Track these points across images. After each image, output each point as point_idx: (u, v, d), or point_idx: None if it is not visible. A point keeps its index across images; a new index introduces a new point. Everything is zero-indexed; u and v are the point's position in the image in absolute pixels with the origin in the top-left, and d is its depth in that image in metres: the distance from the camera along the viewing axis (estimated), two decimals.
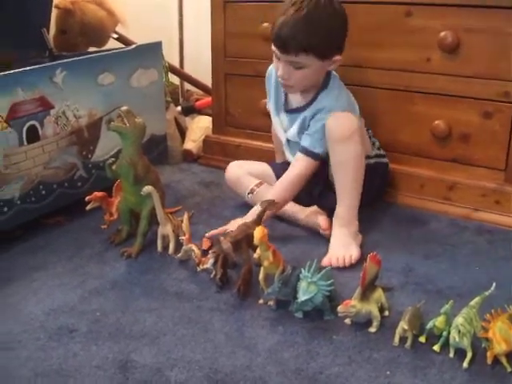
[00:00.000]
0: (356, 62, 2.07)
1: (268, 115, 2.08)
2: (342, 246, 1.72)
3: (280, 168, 2.02)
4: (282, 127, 2.00)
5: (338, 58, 1.82)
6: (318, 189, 1.92)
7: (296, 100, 1.93)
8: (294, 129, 1.92)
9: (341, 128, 1.77)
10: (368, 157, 1.87)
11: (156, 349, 1.34)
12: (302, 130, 1.88)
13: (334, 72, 1.91)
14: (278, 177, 1.94)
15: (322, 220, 1.84)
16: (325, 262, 1.67)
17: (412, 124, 2.03)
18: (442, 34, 1.89)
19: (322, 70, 1.83)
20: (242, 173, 2.05)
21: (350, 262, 1.67)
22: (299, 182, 1.84)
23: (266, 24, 2.16)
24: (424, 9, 1.93)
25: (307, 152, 1.83)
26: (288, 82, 1.83)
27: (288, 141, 1.98)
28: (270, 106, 2.04)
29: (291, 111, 1.95)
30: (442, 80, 1.94)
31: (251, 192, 1.99)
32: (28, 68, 1.83)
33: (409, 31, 1.96)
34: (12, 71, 1.78)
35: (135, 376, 1.26)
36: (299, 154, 1.85)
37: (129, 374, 1.26)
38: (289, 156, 2.00)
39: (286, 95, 1.97)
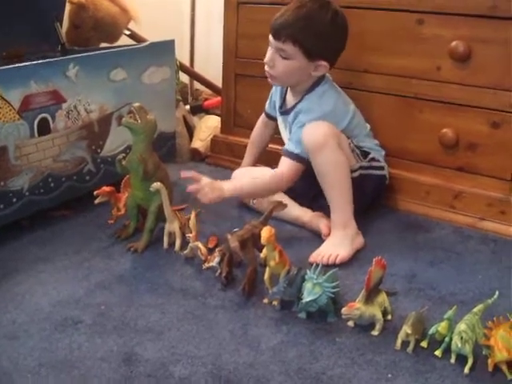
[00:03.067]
0: (366, 67, 2.09)
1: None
2: (332, 246, 1.74)
3: None
4: (284, 134, 2.05)
5: (323, 63, 1.85)
6: (312, 191, 1.92)
7: (289, 101, 1.98)
8: (285, 132, 2.00)
9: (314, 137, 1.79)
10: (351, 170, 1.87)
11: (160, 344, 1.35)
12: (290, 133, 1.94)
13: (328, 81, 1.94)
14: None
15: (323, 226, 1.85)
16: (310, 259, 1.69)
17: (420, 131, 2.04)
18: (453, 43, 1.90)
19: (306, 70, 1.86)
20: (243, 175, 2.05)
21: (334, 261, 1.69)
22: (275, 183, 1.86)
23: None
24: (436, 17, 1.93)
25: (287, 153, 1.86)
26: (271, 70, 1.89)
27: None
28: (272, 107, 2.10)
29: (283, 113, 2.00)
30: (451, 89, 1.95)
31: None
32: (42, 61, 1.85)
33: (420, 39, 1.97)
34: (26, 64, 1.80)
35: (139, 369, 1.27)
36: (282, 157, 1.88)
37: (133, 367, 1.28)
38: None
39: (284, 97, 2.01)
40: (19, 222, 1.87)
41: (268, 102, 2.14)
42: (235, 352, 1.33)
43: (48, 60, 1.89)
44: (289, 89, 2.00)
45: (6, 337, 1.38)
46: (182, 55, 2.93)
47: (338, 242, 1.75)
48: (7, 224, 1.81)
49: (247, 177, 1.93)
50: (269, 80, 1.95)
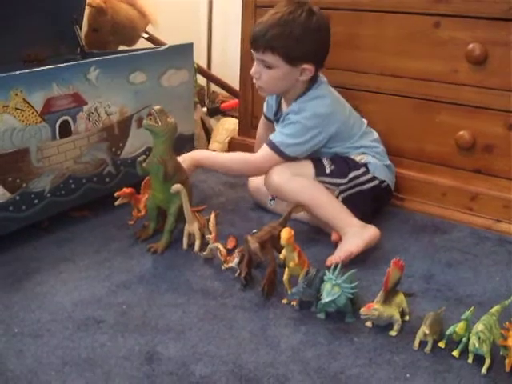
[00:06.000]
0: (382, 70, 2.10)
1: None
2: (343, 247, 1.73)
3: None
4: None
5: (307, 67, 1.86)
6: None
7: (284, 109, 2.01)
8: None
9: (269, 185, 1.88)
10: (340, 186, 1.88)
11: (181, 343, 1.37)
12: None
13: (321, 84, 1.94)
14: None
15: (333, 232, 1.85)
16: (326, 263, 1.67)
17: (436, 134, 2.05)
18: (470, 46, 1.91)
19: (291, 76, 1.88)
20: (258, 184, 2.06)
21: (348, 258, 1.67)
22: (245, 163, 1.94)
23: None
24: (453, 20, 1.94)
25: (268, 141, 1.90)
26: (258, 81, 1.92)
27: None
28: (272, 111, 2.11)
29: (278, 120, 2.03)
30: (468, 91, 1.96)
31: (272, 199, 2.01)
32: (64, 64, 1.88)
33: (437, 42, 1.98)
34: (48, 67, 1.83)
35: (161, 368, 1.29)
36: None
37: (155, 365, 1.30)
38: None
39: (279, 104, 2.04)
40: (40, 222, 1.90)
41: (265, 105, 2.15)
42: (255, 351, 1.35)
43: (69, 63, 1.92)
44: (283, 97, 2.01)
45: (30, 335, 1.41)
46: (199, 58, 2.95)
47: (347, 242, 1.74)
48: (28, 225, 1.84)
49: (222, 158, 2.00)
50: (259, 92, 1.98)
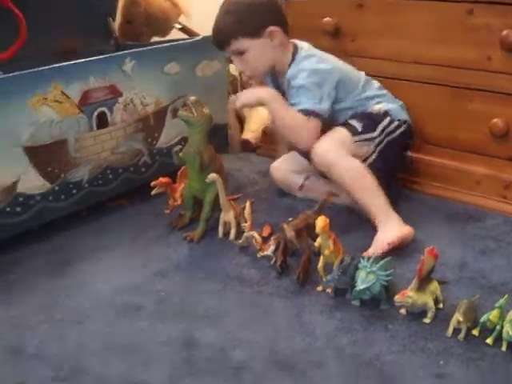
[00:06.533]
0: (415, 58, 2.10)
1: None
2: (379, 237, 1.73)
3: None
4: None
5: (272, 29, 1.89)
6: None
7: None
8: None
9: (322, 158, 1.84)
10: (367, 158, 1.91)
11: (219, 329, 1.41)
12: None
13: (304, 47, 1.97)
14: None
15: None
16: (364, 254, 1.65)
17: (469, 121, 2.04)
18: (504, 32, 1.89)
19: (266, 47, 1.91)
20: (284, 173, 2.10)
21: (385, 248, 1.67)
22: (301, 128, 1.86)
23: (326, 19, 2.22)
24: (486, 7, 1.93)
25: (302, 112, 1.87)
26: (248, 72, 1.98)
27: None
28: None
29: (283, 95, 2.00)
30: (501, 79, 1.94)
31: (301, 187, 2.04)
32: (100, 57, 1.91)
33: (470, 29, 1.97)
34: (85, 60, 1.86)
35: (199, 353, 1.33)
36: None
37: (193, 351, 1.34)
38: None
39: (277, 83, 2.04)
40: (78, 212, 1.94)
41: None
42: (291, 338, 1.37)
43: (105, 56, 1.95)
44: (278, 78, 2.02)
45: (71, 321, 1.46)
46: None
47: (384, 234, 1.73)
48: (68, 214, 1.89)
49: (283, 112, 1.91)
50: (253, 83, 2.03)
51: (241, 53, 1.91)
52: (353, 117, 1.95)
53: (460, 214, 1.97)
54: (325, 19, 2.22)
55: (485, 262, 1.69)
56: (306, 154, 1.96)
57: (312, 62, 1.92)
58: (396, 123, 1.97)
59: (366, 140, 1.91)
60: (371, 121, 1.94)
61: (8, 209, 1.73)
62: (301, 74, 1.89)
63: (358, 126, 1.91)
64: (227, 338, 1.37)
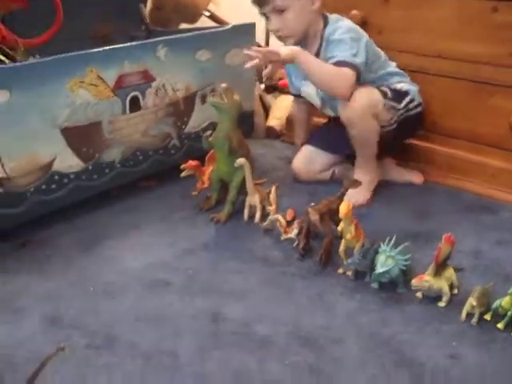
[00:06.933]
0: (439, 53, 2.15)
1: None
2: (356, 192, 1.93)
3: (319, 135, 2.23)
4: (313, 92, 2.14)
5: None
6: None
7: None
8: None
9: (352, 111, 1.92)
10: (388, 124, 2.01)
11: (244, 305, 1.49)
12: None
13: (333, 14, 2.04)
14: (322, 140, 2.18)
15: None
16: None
17: (490, 116, 2.09)
18: None
19: (306, 8, 1.98)
20: (309, 174, 2.18)
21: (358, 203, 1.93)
22: (340, 77, 1.90)
23: (354, 12, 2.27)
24: (510, 5, 1.97)
25: (338, 63, 1.91)
26: (285, 31, 2.01)
27: (323, 100, 2.13)
28: (296, 83, 2.20)
29: None
30: None
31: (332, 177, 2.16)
32: (134, 43, 1.98)
33: (494, 26, 2.02)
34: (120, 45, 1.93)
35: (226, 327, 1.41)
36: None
37: (220, 325, 1.42)
38: (329, 111, 2.17)
39: None
40: (109, 191, 2.02)
41: (289, 82, 2.29)
42: (312, 315, 1.45)
43: (140, 42, 2.02)
44: (305, 44, 2.04)
45: (104, 294, 1.54)
46: (257, 35, 3.01)
47: (360, 188, 1.90)
48: (99, 193, 1.97)
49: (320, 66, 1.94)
50: (286, 44, 2.02)
51: (280, 11, 1.96)
52: (381, 86, 2.03)
53: (476, 206, 2.03)
54: (352, 12, 2.27)
55: (500, 251, 1.75)
56: (327, 143, 2.10)
57: (346, 22, 2.01)
58: (416, 103, 2.08)
59: (392, 108, 2.01)
60: (397, 94, 2.04)
61: (44, 186, 1.81)
62: (338, 31, 1.95)
63: (388, 92, 2.01)
64: (252, 314, 1.45)
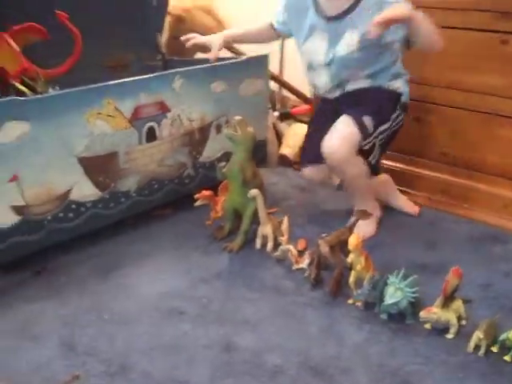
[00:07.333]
0: (448, 84, 2.20)
1: None
2: (363, 225, 1.94)
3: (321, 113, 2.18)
4: (320, 48, 2.02)
5: None
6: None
7: (332, 8, 1.96)
8: (349, 37, 1.94)
9: (333, 156, 1.92)
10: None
11: (256, 335, 1.52)
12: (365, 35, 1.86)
13: None
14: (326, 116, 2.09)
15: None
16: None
17: (499, 146, 2.13)
18: None
19: None
20: (322, 177, 2.17)
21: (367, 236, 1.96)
22: (434, 32, 1.85)
23: None
24: None
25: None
26: None
27: (331, 61, 2.01)
28: (298, 36, 2.10)
29: (333, 19, 1.96)
30: None
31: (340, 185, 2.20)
32: (151, 75, 2.03)
33: (503, 58, 2.06)
34: (137, 78, 1.98)
35: (238, 357, 1.44)
36: None
37: (232, 354, 1.45)
38: (323, 81, 2.07)
39: (316, 8, 2.00)
40: (125, 219, 2.06)
41: (279, 15, 2.16)
42: (322, 345, 1.48)
43: (156, 74, 2.07)
44: None
45: (119, 322, 1.58)
46: (271, 63, 3.05)
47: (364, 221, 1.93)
48: (115, 222, 2.01)
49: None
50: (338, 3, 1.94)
51: None
52: (366, 111, 1.97)
53: (486, 236, 2.05)
54: None
55: (508, 283, 1.77)
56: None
57: None
58: (401, 117, 2.05)
59: (374, 138, 1.99)
60: (383, 115, 2.00)
61: (61, 214, 1.85)
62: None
63: (370, 126, 1.97)
64: (264, 343, 1.49)
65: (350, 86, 2.03)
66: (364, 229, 1.95)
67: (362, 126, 1.95)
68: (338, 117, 1.97)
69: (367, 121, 1.97)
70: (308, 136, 2.21)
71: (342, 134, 1.93)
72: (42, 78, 2.00)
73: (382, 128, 2.00)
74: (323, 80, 2.06)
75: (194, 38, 2.25)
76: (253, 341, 1.50)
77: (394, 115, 2.03)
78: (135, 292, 1.72)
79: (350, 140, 1.93)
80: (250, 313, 1.61)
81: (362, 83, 2.02)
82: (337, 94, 2.08)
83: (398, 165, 2.39)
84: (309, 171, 2.14)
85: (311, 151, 2.08)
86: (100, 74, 1.99)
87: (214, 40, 2.20)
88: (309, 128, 2.25)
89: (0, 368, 1.41)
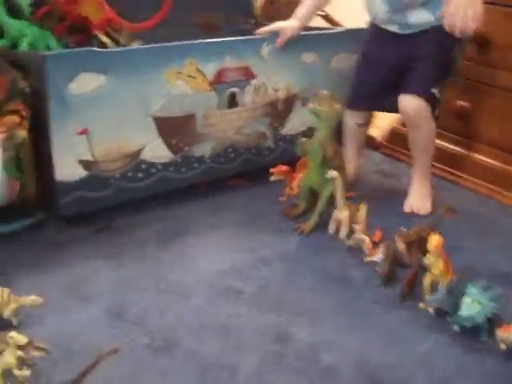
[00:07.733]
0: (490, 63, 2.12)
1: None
2: (419, 200, 1.98)
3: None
4: None
5: None
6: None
7: None
8: None
9: (411, 114, 1.91)
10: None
11: (313, 328, 1.41)
12: None
13: None
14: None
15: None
16: (406, 209, 1.98)
17: None
18: None
19: None
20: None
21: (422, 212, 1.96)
22: None
23: None
24: None
25: None
26: None
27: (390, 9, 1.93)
28: None
29: None
30: None
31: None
32: (238, 38, 1.94)
33: None
34: (223, 39, 1.90)
35: (291, 349, 1.33)
36: None
37: (285, 345, 1.34)
38: (380, 5, 1.95)
39: None
40: (197, 186, 1.99)
41: None
42: (382, 349, 1.35)
43: (244, 37, 1.98)
44: None
45: (174, 294, 1.51)
46: None
47: (422, 195, 2.00)
48: (186, 186, 1.94)
49: None
50: None
51: None
52: (434, 79, 1.94)
53: None
54: None
55: None
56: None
57: None
58: (458, 53, 1.98)
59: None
60: (449, 71, 1.98)
61: (130, 174, 1.81)
62: None
63: (437, 93, 1.94)
64: (320, 339, 1.37)
65: (411, 19, 1.90)
66: (419, 204, 1.97)
67: (432, 100, 1.94)
68: (400, 68, 1.95)
69: (436, 91, 1.95)
70: (358, 75, 2.09)
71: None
72: (125, 31, 1.94)
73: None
74: (380, 4, 1.95)
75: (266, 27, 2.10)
76: (309, 334, 1.38)
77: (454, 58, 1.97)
78: (194, 264, 1.64)
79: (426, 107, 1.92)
80: (310, 303, 1.50)
81: (422, 15, 1.89)
82: (396, 27, 1.95)
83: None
84: (350, 114, 2.08)
85: (360, 97, 2.07)
86: (187, 32, 1.92)
87: (287, 28, 2.05)
88: (360, 64, 2.10)
89: (42, 325, 1.36)
